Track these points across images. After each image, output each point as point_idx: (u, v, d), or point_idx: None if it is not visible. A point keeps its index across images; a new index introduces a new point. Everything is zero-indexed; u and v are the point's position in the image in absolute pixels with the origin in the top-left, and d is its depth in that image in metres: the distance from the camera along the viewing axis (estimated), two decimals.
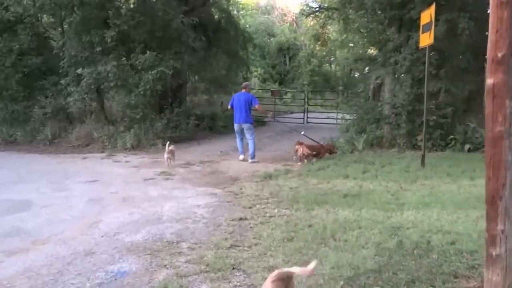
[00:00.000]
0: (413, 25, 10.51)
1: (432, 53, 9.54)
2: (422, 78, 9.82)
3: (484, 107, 3.02)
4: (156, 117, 13.84)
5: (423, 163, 8.44)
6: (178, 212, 5.93)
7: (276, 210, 5.84)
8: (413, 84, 10.72)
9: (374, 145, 11.36)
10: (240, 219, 5.49)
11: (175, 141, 13.36)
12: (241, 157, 10.39)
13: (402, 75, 11.18)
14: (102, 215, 5.84)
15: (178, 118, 14.26)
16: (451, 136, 10.78)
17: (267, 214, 5.66)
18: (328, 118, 18.26)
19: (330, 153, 10.42)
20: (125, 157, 11.32)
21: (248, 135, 10.21)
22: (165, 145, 9.97)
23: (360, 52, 20.11)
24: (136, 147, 12.79)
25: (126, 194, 7.08)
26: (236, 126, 10.32)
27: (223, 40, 17.47)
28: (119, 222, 5.48)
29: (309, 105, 21.02)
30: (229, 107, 10.68)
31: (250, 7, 40.74)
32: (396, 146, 11.12)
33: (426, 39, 8.31)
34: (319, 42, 30.29)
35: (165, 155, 9.57)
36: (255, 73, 31.82)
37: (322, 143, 10.82)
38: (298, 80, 36.38)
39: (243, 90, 10.47)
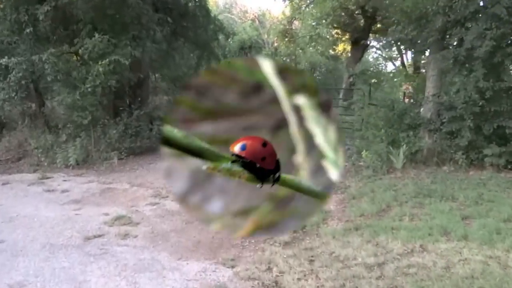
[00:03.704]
0: None
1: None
2: (506, 65, 7.29)
3: None
4: (110, 122, 10.54)
5: None
6: None
7: None
8: (486, 75, 7.46)
9: (418, 161, 8.28)
10: None
11: (135, 153, 10.23)
12: None
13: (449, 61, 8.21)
14: None
15: (138, 123, 11.01)
16: None
17: None
18: None
19: None
20: (65, 181, 7.98)
21: None
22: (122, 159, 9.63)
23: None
24: (83, 163, 9.45)
25: None
26: None
27: (191, 29, 14.38)
28: None
29: None
30: None
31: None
32: (447, 162, 8.11)
33: None
34: (286, 39, 27.92)
35: None
36: None
37: None
38: None
39: None
